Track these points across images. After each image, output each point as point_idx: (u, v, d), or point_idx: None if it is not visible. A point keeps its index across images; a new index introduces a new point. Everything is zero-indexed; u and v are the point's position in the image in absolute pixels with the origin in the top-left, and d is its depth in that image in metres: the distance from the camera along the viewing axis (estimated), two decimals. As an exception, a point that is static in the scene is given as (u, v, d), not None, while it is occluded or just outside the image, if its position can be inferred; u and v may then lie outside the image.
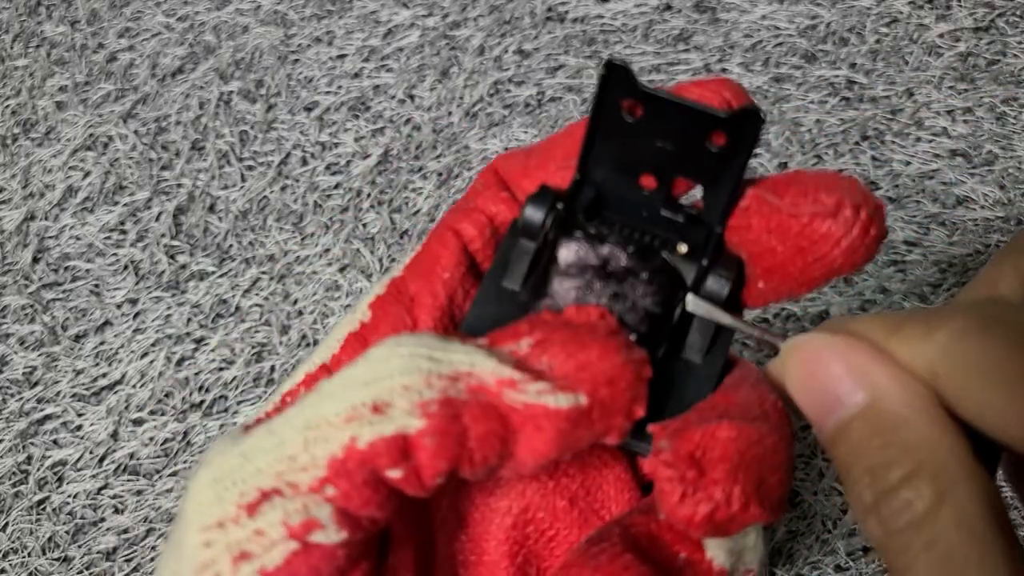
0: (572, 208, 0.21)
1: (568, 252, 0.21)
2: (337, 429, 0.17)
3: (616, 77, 0.19)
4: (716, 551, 0.20)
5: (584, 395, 0.18)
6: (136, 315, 0.44)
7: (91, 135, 0.51)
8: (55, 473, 0.41)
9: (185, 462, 0.40)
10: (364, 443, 0.17)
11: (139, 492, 0.40)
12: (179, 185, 0.48)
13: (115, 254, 0.46)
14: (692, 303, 0.20)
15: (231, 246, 0.46)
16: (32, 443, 0.41)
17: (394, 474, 0.17)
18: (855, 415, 0.17)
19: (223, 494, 0.18)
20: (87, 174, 0.49)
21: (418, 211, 0.47)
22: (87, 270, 0.46)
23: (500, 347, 0.19)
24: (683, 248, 0.21)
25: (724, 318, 0.20)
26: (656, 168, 0.21)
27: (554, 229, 0.21)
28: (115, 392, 0.42)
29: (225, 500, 0.17)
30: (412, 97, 0.51)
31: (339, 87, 0.52)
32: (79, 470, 0.41)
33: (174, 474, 0.40)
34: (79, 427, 0.42)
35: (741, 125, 0.19)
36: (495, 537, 0.22)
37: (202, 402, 0.42)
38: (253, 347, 0.43)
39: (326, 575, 0.18)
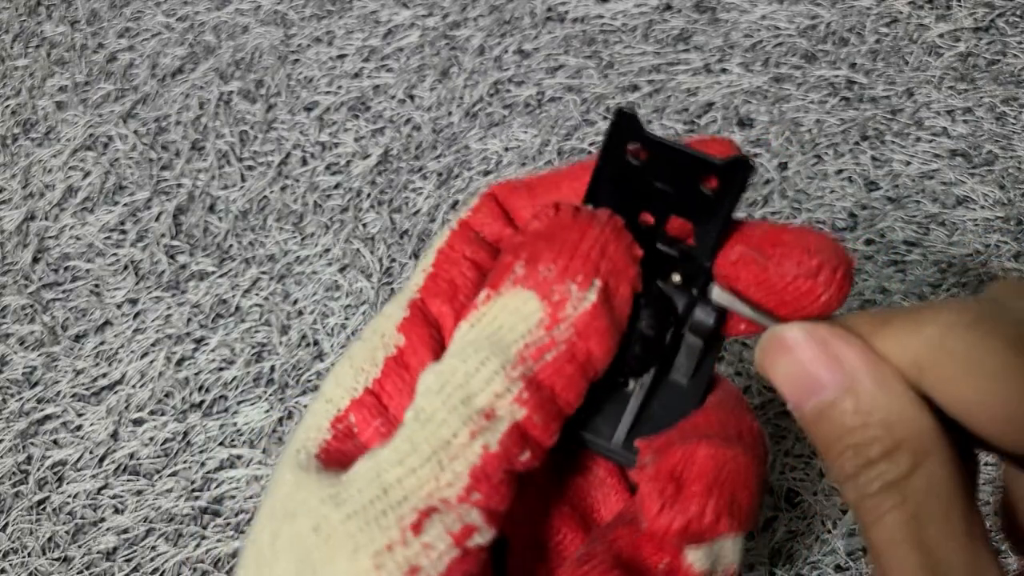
0: None
1: None
2: (467, 445, 0.20)
3: (625, 124, 0.22)
4: (695, 557, 0.22)
5: (597, 279, 0.20)
6: (136, 315, 0.44)
7: (91, 135, 0.51)
8: (55, 473, 0.41)
9: (185, 462, 0.40)
10: (495, 446, 0.20)
11: (139, 492, 0.40)
12: (179, 185, 0.48)
13: (115, 254, 0.46)
14: (717, 293, 0.22)
15: (231, 246, 0.46)
16: (32, 443, 0.41)
17: (525, 457, 0.20)
18: (835, 398, 0.19)
19: (382, 521, 0.19)
20: (87, 174, 0.49)
21: (418, 211, 0.47)
22: (87, 270, 0.46)
23: (503, 288, 0.21)
24: (676, 278, 0.23)
25: (745, 309, 0.22)
26: (654, 207, 0.23)
27: None
28: (115, 392, 0.42)
29: (388, 527, 0.19)
30: (412, 97, 0.51)
31: (339, 87, 0.52)
32: (79, 470, 0.41)
33: (174, 474, 0.40)
34: (79, 427, 0.42)
35: (732, 172, 0.21)
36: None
37: (202, 402, 0.42)
38: (253, 347, 0.43)
39: None
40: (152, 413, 0.42)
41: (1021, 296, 0.19)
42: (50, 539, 0.39)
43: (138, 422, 0.42)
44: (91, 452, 0.41)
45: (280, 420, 0.41)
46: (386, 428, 0.22)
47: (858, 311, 0.20)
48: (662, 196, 0.22)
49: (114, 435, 0.41)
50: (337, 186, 0.48)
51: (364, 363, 0.23)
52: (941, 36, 0.51)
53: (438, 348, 0.22)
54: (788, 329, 0.20)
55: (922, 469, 0.18)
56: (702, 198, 0.22)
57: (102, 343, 0.44)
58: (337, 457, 0.21)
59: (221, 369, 0.43)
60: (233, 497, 0.40)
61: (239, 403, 0.42)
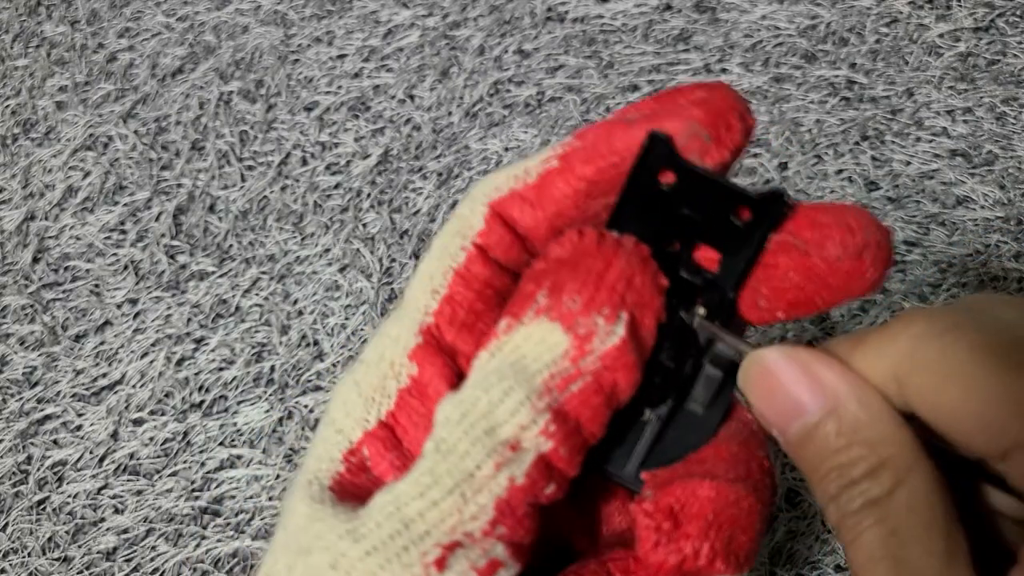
0: None
1: None
2: (492, 477, 0.19)
3: (657, 149, 0.21)
4: None
5: (623, 312, 0.20)
6: (136, 315, 0.44)
7: (91, 135, 0.51)
8: (55, 473, 0.41)
9: (185, 462, 0.40)
10: (522, 478, 0.19)
11: (139, 492, 0.40)
12: (179, 185, 0.48)
13: (115, 254, 0.46)
14: (697, 324, 0.22)
15: (231, 246, 0.46)
16: (32, 443, 0.41)
17: (549, 490, 0.19)
18: (818, 420, 0.19)
19: (404, 558, 0.19)
20: (87, 174, 0.49)
21: (418, 211, 0.47)
22: (87, 270, 0.46)
23: (526, 318, 0.20)
24: (701, 311, 0.22)
25: (726, 339, 0.21)
26: (680, 233, 0.22)
27: None
28: (115, 392, 0.42)
29: (410, 563, 0.19)
30: (412, 97, 0.51)
31: (339, 87, 0.52)
32: (79, 470, 0.41)
33: (174, 474, 0.40)
34: (79, 427, 0.42)
35: (767, 205, 0.20)
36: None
37: (202, 402, 0.42)
38: (253, 347, 0.43)
39: None
40: (152, 413, 0.42)
41: (991, 306, 0.19)
42: (50, 539, 0.39)
43: (138, 422, 0.42)
44: (91, 452, 0.41)
45: (280, 420, 0.41)
46: (400, 462, 0.21)
47: (835, 337, 0.20)
48: (689, 223, 0.22)
49: (114, 435, 0.41)
50: (337, 186, 0.48)
51: (375, 393, 0.22)
52: (941, 36, 0.51)
53: (454, 379, 0.21)
54: (768, 353, 0.20)
55: (903, 487, 0.18)
56: (732, 228, 0.21)
57: (102, 343, 0.44)
58: (351, 490, 0.21)
59: (221, 369, 0.43)
60: (233, 497, 0.40)
61: (239, 403, 0.42)
